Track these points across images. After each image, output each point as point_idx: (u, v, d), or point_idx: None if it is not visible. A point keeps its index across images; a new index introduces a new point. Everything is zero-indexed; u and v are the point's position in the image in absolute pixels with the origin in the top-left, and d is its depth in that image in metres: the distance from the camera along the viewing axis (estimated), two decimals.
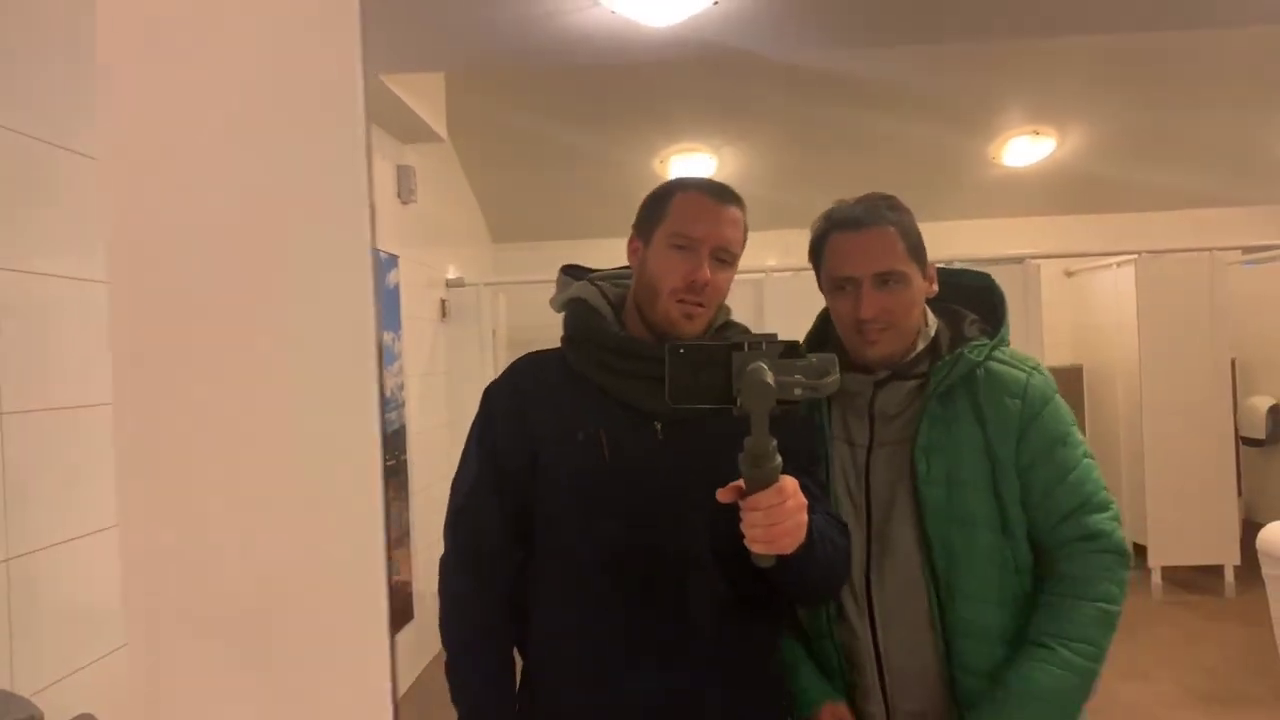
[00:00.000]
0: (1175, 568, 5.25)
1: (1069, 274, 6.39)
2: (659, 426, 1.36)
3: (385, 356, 4.11)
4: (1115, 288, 5.74)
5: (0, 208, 1.87)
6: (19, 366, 1.87)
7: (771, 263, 5.81)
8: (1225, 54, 4.64)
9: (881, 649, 1.43)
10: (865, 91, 4.81)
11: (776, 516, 1.12)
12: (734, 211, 1.39)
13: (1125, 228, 6.11)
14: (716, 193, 1.40)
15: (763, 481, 1.11)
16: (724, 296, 1.42)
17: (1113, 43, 4.44)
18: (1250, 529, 4.09)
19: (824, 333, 1.57)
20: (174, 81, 0.55)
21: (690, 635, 1.33)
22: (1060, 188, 6.03)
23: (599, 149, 5.30)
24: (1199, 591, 5.14)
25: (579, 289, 1.48)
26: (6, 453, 1.83)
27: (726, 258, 1.38)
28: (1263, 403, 5.65)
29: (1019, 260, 5.07)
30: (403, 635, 4.21)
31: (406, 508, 4.35)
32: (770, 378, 1.06)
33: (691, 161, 5.56)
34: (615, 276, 1.53)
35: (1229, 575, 5.13)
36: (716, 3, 2.79)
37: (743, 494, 1.13)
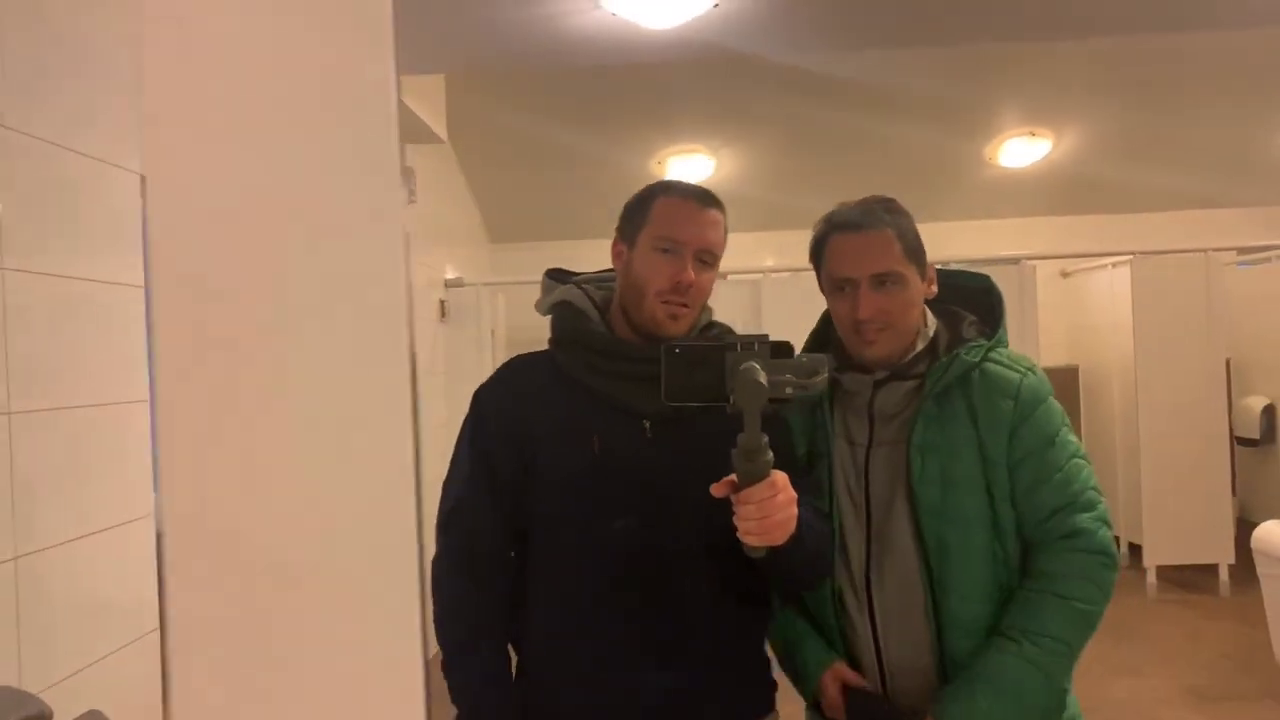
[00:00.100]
0: (1170, 567, 5.28)
1: (1065, 275, 6.43)
2: (648, 425, 1.40)
3: None
4: (1110, 288, 5.78)
5: (35, 217, 1.89)
6: (30, 367, 1.89)
7: (769, 263, 5.84)
8: (1220, 56, 4.67)
9: (881, 644, 1.46)
10: (862, 93, 4.84)
11: (769, 509, 1.16)
12: (715, 214, 1.44)
13: (1120, 229, 6.15)
14: (698, 196, 1.44)
15: (755, 476, 1.15)
16: (707, 296, 1.46)
17: (1108, 45, 4.47)
18: (1245, 528, 4.11)
19: (826, 333, 1.59)
20: (217, 94, 0.57)
21: (682, 627, 1.37)
22: (1056, 189, 6.06)
23: (597, 150, 5.32)
24: (1194, 590, 5.18)
25: (565, 292, 1.51)
26: (17, 451, 1.85)
27: (709, 259, 1.43)
28: (1257, 403, 5.69)
29: (1015, 261, 5.10)
30: None
31: None
32: (763, 377, 1.11)
33: (690, 163, 5.58)
34: (599, 280, 1.56)
35: (1223, 574, 5.16)
36: (717, 5, 2.81)
37: (735, 488, 1.17)
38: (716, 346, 1.18)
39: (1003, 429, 1.42)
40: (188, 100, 0.55)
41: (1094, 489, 1.45)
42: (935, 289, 1.52)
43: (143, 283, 2.31)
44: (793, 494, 1.20)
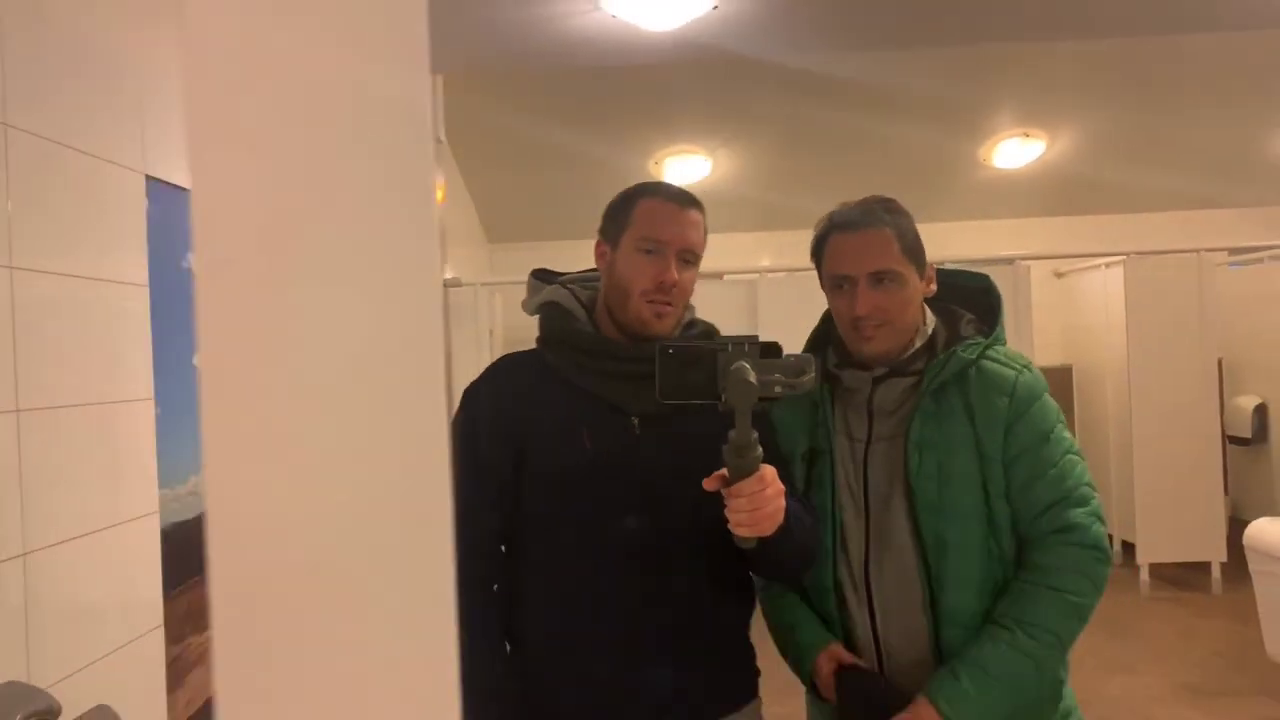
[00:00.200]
0: (1163, 565, 5.32)
1: (1058, 275, 6.46)
2: (636, 421, 1.44)
3: None
4: (1104, 288, 5.81)
5: (41, 216, 1.90)
6: (37, 364, 1.90)
7: (765, 263, 5.87)
8: (1212, 58, 4.71)
9: (880, 636, 1.49)
10: (858, 95, 4.87)
11: (759, 502, 1.22)
12: (695, 215, 1.48)
13: (1114, 229, 6.18)
14: (679, 198, 1.48)
15: (746, 470, 1.21)
16: (690, 295, 1.50)
17: (1102, 47, 4.50)
18: (1236, 527, 4.15)
19: (827, 331, 1.62)
20: (257, 110, 0.59)
21: (673, 617, 1.42)
22: (1050, 189, 6.10)
23: (594, 150, 5.34)
24: (1186, 588, 5.22)
25: (552, 293, 1.55)
26: (25, 448, 1.86)
27: (691, 258, 1.47)
28: (1249, 402, 5.73)
29: (1009, 261, 5.13)
30: None
31: None
32: (753, 376, 1.16)
33: (687, 163, 5.61)
34: (584, 280, 1.60)
35: (1215, 572, 5.20)
36: (716, 7, 2.84)
37: (726, 482, 1.23)
38: (708, 347, 1.23)
39: (998, 426, 1.45)
40: (229, 117, 0.57)
41: (1088, 485, 1.47)
42: (934, 288, 1.55)
43: (146, 281, 2.32)
44: (781, 486, 1.26)
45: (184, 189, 2.53)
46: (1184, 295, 5.28)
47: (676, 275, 1.44)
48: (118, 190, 2.23)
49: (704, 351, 1.23)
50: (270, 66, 0.60)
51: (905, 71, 4.65)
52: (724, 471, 1.23)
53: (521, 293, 1.65)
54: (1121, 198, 6.17)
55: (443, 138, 4.59)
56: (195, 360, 2.58)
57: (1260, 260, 5.85)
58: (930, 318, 1.56)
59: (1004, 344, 1.54)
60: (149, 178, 2.35)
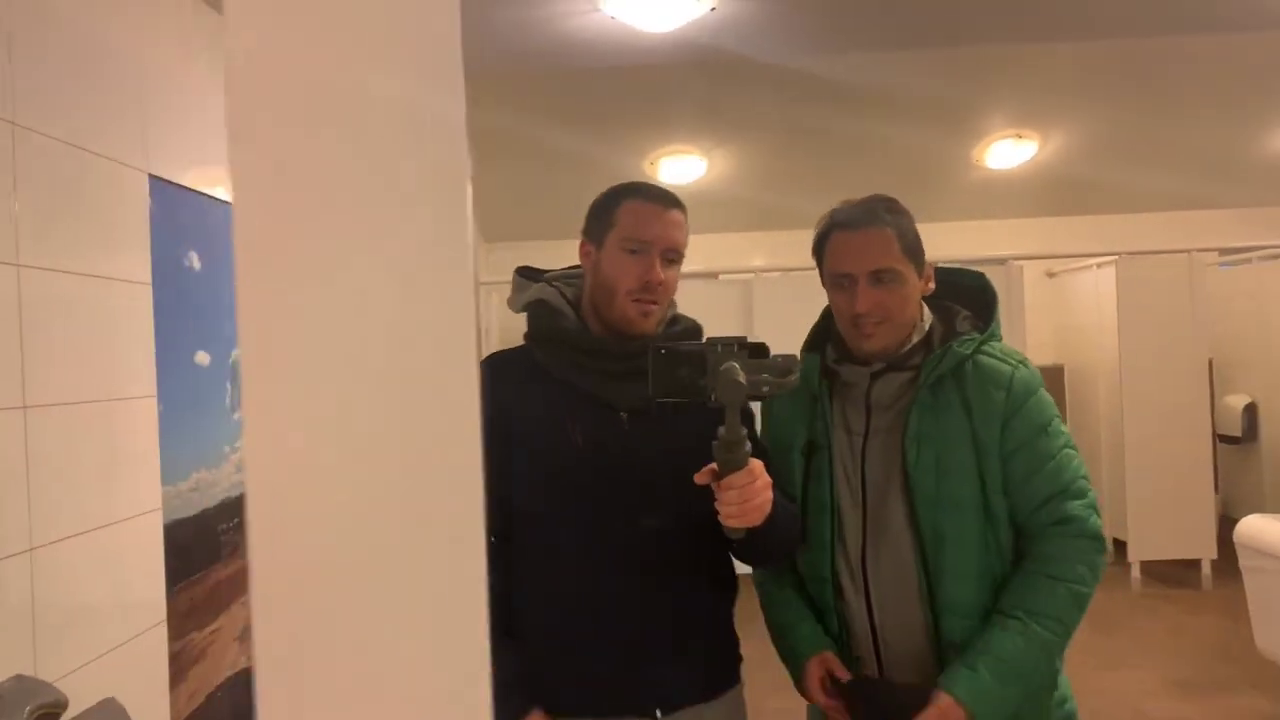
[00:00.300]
0: (1154, 562, 5.36)
1: (1051, 275, 6.50)
2: (625, 416, 1.48)
3: None
4: (1096, 288, 5.85)
5: (45, 214, 1.92)
6: (44, 361, 1.92)
7: (759, 263, 5.90)
8: (1203, 60, 4.75)
9: (877, 625, 1.52)
10: (852, 96, 4.89)
11: (749, 494, 1.28)
12: (678, 215, 1.52)
13: (1105, 229, 6.22)
14: (662, 199, 1.51)
15: (735, 465, 1.26)
16: (674, 293, 1.54)
17: (1094, 48, 4.54)
18: (1226, 525, 4.19)
19: (826, 327, 1.65)
20: (296, 125, 0.62)
21: (664, 605, 1.46)
22: (1042, 190, 6.14)
23: (590, 150, 5.35)
24: (1177, 585, 5.26)
25: (539, 291, 1.58)
26: (32, 445, 1.88)
27: (674, 257, 1.51)
28: (1239, 401, 5.77)
29: (1002, 261, 5.17)
30: None
31: None
32: (741, 376, 1.21)
33: (682, 163, 5.63)
34: (568, 277, 1.63)
35: (1206, 569, 5.24)
36: (714, 9, 2.86)
37: (716, 476, 1.28)
38: (699, 348, 1.28)
39: (995, 419, 1.48)
40: (268, 132, 0.60)
41: (1084, 478, 1.51)
42: (933, 286, 1.58)
43: (149, 279, 2.34)
44: (768, 479, 1.31)
45: (186, 188, 2.54)
46: (1175, 295, 5.32)
47: (661, 275, 1.47)
48: (121, 188, 2.25)
49: (695, 352, 1.28)
50: (308, 80, 0.63)
51: (899, 73, 4.68)
52: (714, 466, 1.28)
53: None
54: (1113, 198, 6.21)
55: None
56: (197, 358, 2.59)
57: (1250, 260, 5.90)
58: (927, 314, 1.59)
59: (999, 340, 1.58)
60: (151, 176, 2.36)
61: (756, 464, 1.29)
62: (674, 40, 3.08)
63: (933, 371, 1.50)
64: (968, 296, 1.64)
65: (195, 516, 2.54)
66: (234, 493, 2.77)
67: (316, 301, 0.62)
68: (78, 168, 2.07)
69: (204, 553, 2.59)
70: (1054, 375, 5.98)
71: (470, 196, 0.61)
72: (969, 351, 1.51)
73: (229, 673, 2.69)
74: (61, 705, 1.69)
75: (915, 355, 1.54)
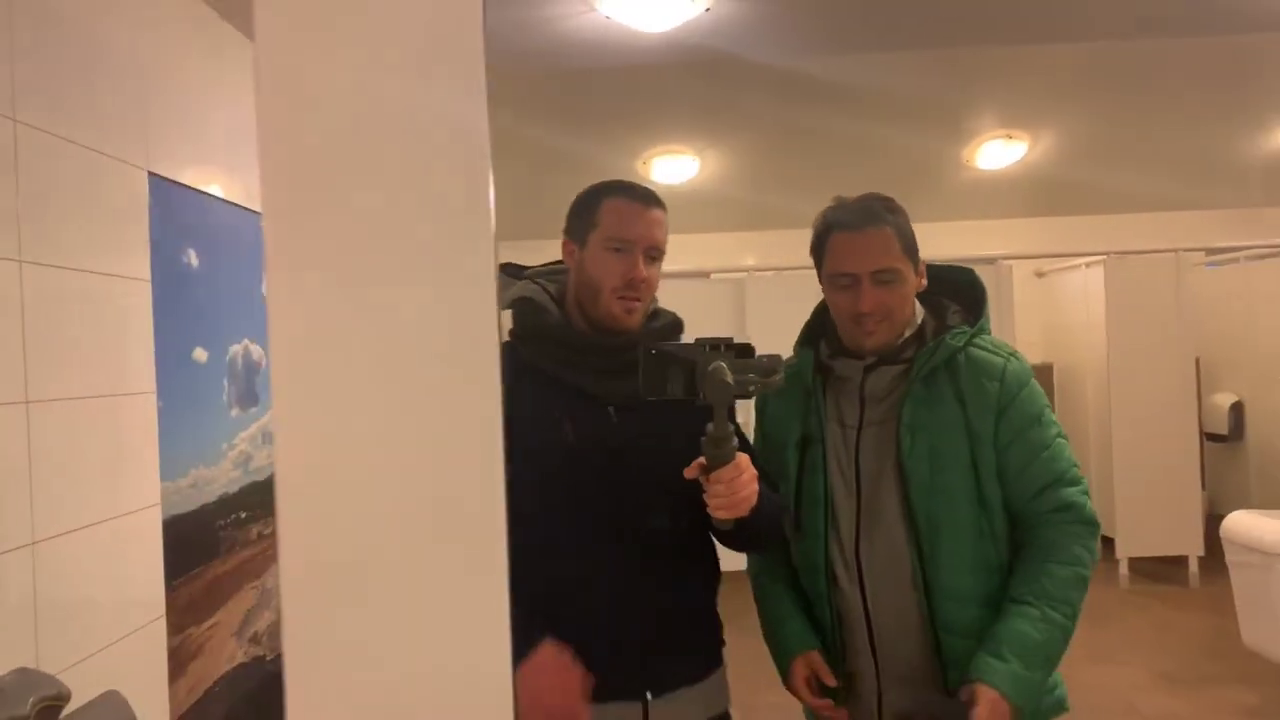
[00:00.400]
0: (1142, 559, 5.41)
1: (1040, 275, 6.55)
2: (612, 410, 1.52)
3: None
4: (1084, 288, 5.89)
5: (46, 210, 1.93)
6: (45, 357, 1.93)
7: (751, 262, 5.93)
8: (1191, 63, 4.79)
9: (871, 611, 1.55)
10: (844, 96, 4.92)
11: (736, 487, 1.33)
12: (659, 213, 1.55)
13: (1094, 229, 6.27)
14: (642, 197, 1.55)
15: (723, 460, 1.32)
16: (656, 289, 1.58)
17: (1084, 50, 4.58)
18: (1213, 522, 4.24)
19: (819, 323, 1.68)
20: (325, 136, 0.65)
21: (653, 590, 1.50)
22: (1032, 190, 6.18)
23: (582, 150, 5.37)
24: (1164, 582, 5.31)
25: (524, 288, 1.61)
26: (35, 440, 1.89)
27: (656, 255, 1.54)
28: (1225, 400, 5.83)
29: (991, 261, 5.21)
30: None
31: None
32: (729, 376, 1.26)
33: (674, 163, 5.65)
34: (551, 273, 1.67)
35: (1193, 566, 5.29)
36: (708, 9, 2.89)
37: (704, 470, 1.33)
38: (687, 348, 1.33)
39: (989, 409, 1.52)
40: (297, 142, 0.63)
41: (1076, 465, 1.56)
42: (925, 282, 1.61)
43: (148, 276, 2.35)
44: (754, 472, 1.37)
45: (184, 185, 2.56)
46: (1162, 295, 5.37)
47: (644, 272, 1.51)
48: (121, 186, 2.26)
49: (684, 353, 1.32)
50: (335, 91, 0.65)
51: (890, 73, 4.71)
52: (702, 460, 1.33)
53: None
54: (1101, 199, 6.26)
55: None
56: (195, 355, 2.60)
57: (1237, 260, 5.96)
58: (919, 309, 1.62)
59: (989, 333, 1.61)
60: (151, 174, 2.38)
61: (743, 458, 1.34)
62: (669, 41, 3.10)
63: (926, 364, 1.53)
64: (957, 292, 1.68)
65: (193, 512, 2.55)
66: (232, 489, 2.78)
67: (344, 304, 0.65)
68: (78, 164, 2.09)
69: (202, 548, 2.60)
70: (1043, 374, 6.03)
71: (493, 202, 0.63)
72: (961, 344, 1.55)
73: (227, 667, 2.70)
74: (64, 698, 1.70)
75: (908, 349, 1.57)
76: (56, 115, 2.00)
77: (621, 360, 1.42)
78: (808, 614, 1.65)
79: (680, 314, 1.66)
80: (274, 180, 0.62)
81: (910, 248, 1.55)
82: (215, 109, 2.77)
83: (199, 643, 2.55)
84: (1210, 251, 5.89)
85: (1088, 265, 5.83)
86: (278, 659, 3.09)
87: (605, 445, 1.50)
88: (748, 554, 1.74)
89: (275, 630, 3.05)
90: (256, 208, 2.84)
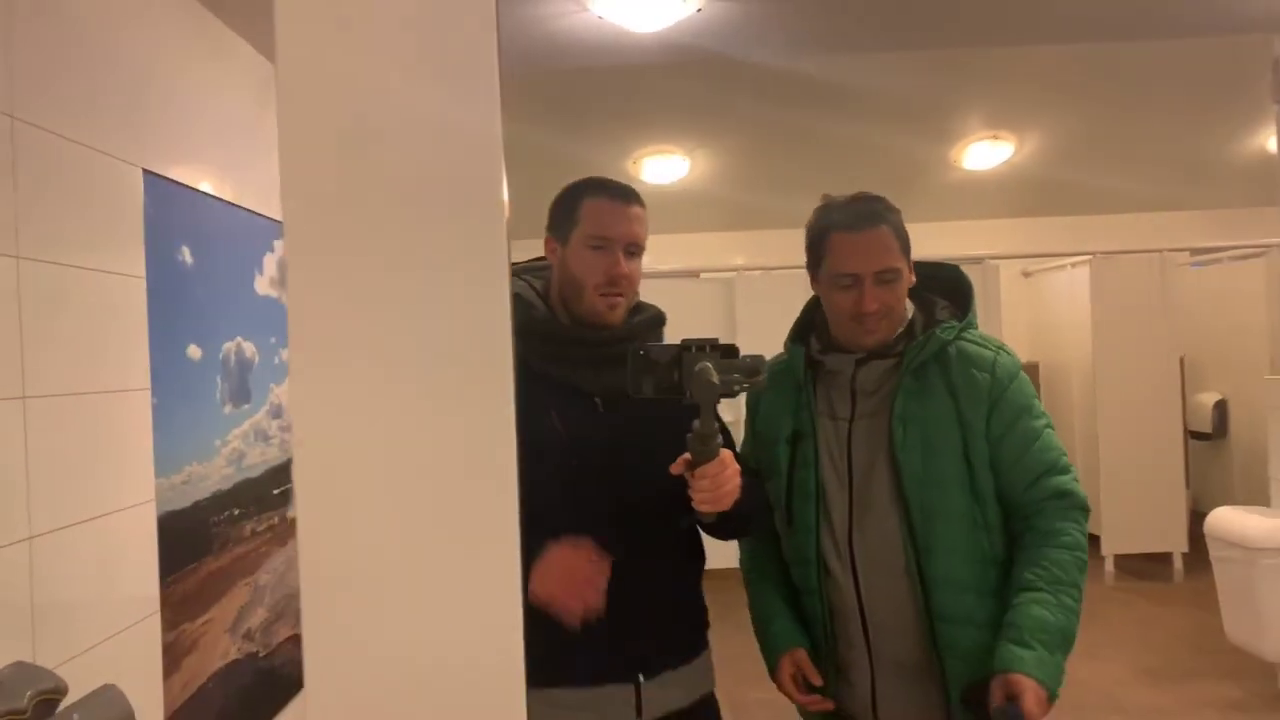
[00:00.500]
0: (1127, 556, 5.46)
1: (1026, 274, 6.60)
2: (599, 402, 1.56)
3: None
4: (1070, 288, 5.95)
5: (43, 207, 1.94)
6: (41, 353, 1.94)
7: (740, 262, 5.96)
8: (1175, 64, 4.84)
9: (864, 601, 1.58)
10: (833, 97, 4.96)
11: (720, 482, 1.39)
12: (638, 210, 1.59)
13: (1080, 230, 6.33)
14: (621, 195, 1.59)
15: (708, 456, 1.37)
16: (638, 284, 1.62)
17: (1070, 52, 4.62)
18: (1197, 519, 4.29)
19: (809, 320, 1.72)
20: (344, 145, 0.67)
21: (642, 579, 1.53)
22: (1018, 191, 6.23)
23: (573, 150, 5.38)
24: (1149, 578, 5.36)
25: (511, 284, 1.63)
26: (32, 435, 1.90)
27: (636, 250, 1.59)
28: (1209, 398, 5.89)
29: (978, 261, 5.26)
30: None
31: None
32: (715, 376, 1.30)
33: (665, 163, 5.67)
34: (535, 269, 1.70)
35: (1177, 562, 5.35)
36: (700, 10, 2.91)
37: (690, 466, 1.38)
38: (674, 348, 1.37)
39: (981, 400, 1.56)
40: (317, 149, 0.65)
41: (1065, 453, 1.61)
42: (914, 278, 1.65)
43: (143, 273, 2.36)
44: (736, 468, 1.42)
45: (179, 183, 2.56)
46: (1147, 294, 5.43)
47: (625, 268, 1.55)
48: (115, 183, 2.27)
49: (671, 353, 1.37)
50: (354, 98, 0.68)
51: (879, 75, 4.75)
52: (688, 456, 1.38)
53: None
54: (1087, 199, 6.32)
55: None
56: (189, 352, 2.61)
57: (1220, 261, 6.02)
58: (909, 305, 1.65)
59: (976, 328, 1.65)
60: (145, 171, 2.38)
61: (726, 454, 1.39)
62: (661, 40, 3.12)
63: (917, 357, 1.57)
64: (944, 288, 1.71)
65: (187, 509, 2.56)
66: (225, 486, 2.79)
67: (362, 306, 0.67)
68: (73, 161, 2.09)
69: (196, 545, 2.61)
70: (1029, 373, 5.98)
71: (506, 207, 0.66)
72: (951, 337, 1.59)
73: (220, 663, 2.71)
74: (61, 691, 1.71)
75: (898, 343, 1.61)
76: (52, 111, 2.01)
77: (607, 354, 1.48)
78: (796, 611, 1.68)
79: (669, 313, 1.69)
80: (294, 187, 0.64)
81: (906, 246, 1.59)
82: (210, 107, 2.78)
83: (193, 638, 2.56)
84: (1195, 252, 5.95)
85: (1073, 265, 5.88)
86: (270, 655, 3.11)
87: (593, 436, 1.53)
88: (740, 546, 1.79)
89: (268, 627, 3.06)
90: (250, 206, 2.86)
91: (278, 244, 3.26)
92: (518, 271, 1.67)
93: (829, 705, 1.63)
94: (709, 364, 1.32)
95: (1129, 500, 5.32)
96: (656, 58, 3.45)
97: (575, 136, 5.28)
